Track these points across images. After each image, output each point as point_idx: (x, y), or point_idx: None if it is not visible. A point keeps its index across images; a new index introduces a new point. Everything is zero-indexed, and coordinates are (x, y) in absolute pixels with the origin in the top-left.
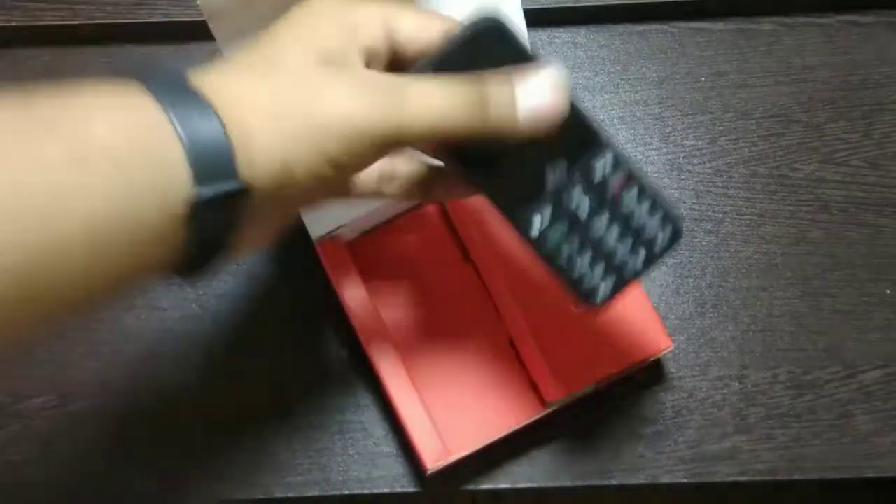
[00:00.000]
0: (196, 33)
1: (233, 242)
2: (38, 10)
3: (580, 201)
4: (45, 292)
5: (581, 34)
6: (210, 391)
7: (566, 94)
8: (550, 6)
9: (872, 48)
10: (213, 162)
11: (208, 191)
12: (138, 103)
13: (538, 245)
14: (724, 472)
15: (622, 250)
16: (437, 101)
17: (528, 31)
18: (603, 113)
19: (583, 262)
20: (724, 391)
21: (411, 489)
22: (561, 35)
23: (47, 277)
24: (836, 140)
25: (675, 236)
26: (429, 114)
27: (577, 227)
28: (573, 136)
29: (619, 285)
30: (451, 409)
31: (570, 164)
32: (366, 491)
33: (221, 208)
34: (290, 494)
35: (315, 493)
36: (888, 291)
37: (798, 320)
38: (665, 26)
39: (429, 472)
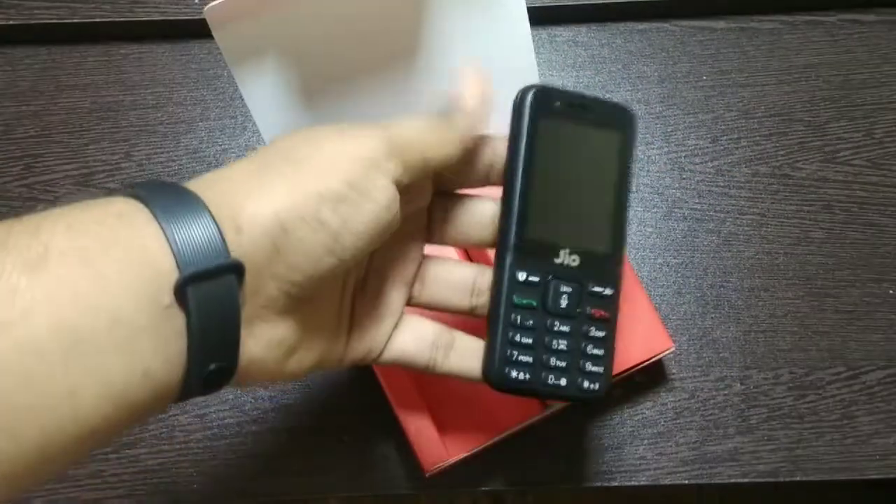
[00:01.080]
0: (194, 31)
1: (247, 340)
2: (36, 8)
3: (563, 295)
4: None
5: (582, 32)
6: (210, 395)
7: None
8: (552, 4)
9: (875, 47)
10: (197, 248)
11: (193, 269)
12: (117, 204)
13: (501, 285)
14: (726, 474)
15: (554, 361)
16: (418, 123)
17: (530, 29)
18: None
19: (515, 338)
20: (726, 392)
21: (411, 491)
22: (562, 33)
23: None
24: (839, 139)
25: (594, 393)
26: (413, 130)
27: (539, 310)
28: (606, 259)
29: (525, 386)
30: (450, 411)
31: (582, 266)
32: (366, 492)
33: (213, 288)
34: (291, 496)
35: (316, 494)
36: (891, 291)
37: (800, 321)
38: (666, 25)
39: (428, 474)
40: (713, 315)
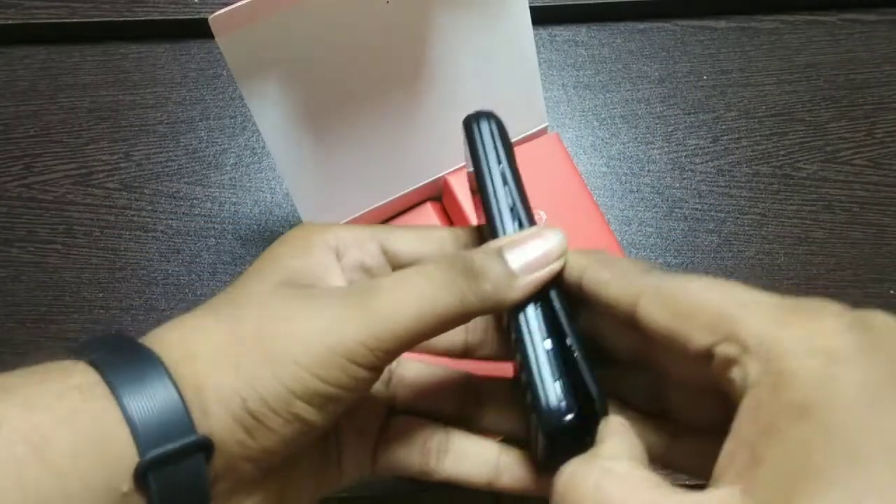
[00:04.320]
0: (193, 31)
1: None
2: (35, 7)
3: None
4: None
5: (582, 32)
6: None
7: (561, 253)
8: (552, 4)
9: (875, 46)
10: (160, 426)
11: (155, 453)
12: (76, 375)
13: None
14: None
15: None
16: (415, 291)
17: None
18: (604, 111)
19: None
20: None
21: (411, 491)
22: (562, 33)
23: None
24: (839, 139)
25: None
26: (407, 307)
27: None
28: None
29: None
30: None
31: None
32: (366, 493)
33: (178, 471)
34: None
35: None
36: (892, 291)
37: None
38: (667, 24)
39: None
40: None
